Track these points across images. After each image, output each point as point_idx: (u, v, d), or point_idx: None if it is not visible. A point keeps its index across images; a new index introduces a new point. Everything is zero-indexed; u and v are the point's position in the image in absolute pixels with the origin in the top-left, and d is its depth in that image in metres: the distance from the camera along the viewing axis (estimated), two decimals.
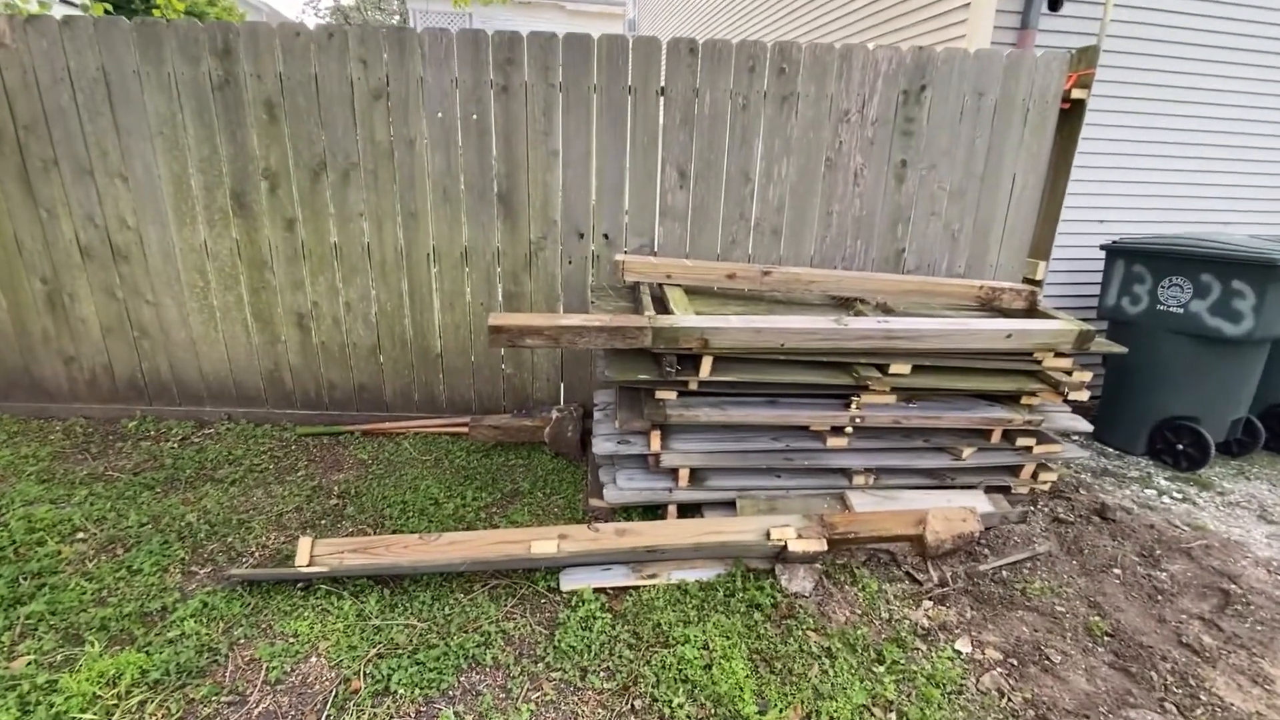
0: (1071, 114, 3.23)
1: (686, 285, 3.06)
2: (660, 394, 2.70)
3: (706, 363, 2.59)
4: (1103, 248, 3.75)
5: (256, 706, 1.82)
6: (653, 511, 2.85)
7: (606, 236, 3.33)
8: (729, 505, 2.80)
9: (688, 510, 2.82)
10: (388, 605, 2.22)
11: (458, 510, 2.82)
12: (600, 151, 3.19)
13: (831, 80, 3.13)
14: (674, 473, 2.77)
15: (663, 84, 3.12)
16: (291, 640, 2.05)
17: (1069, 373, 2.81)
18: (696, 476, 2.79)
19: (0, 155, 3.14)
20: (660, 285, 3.04)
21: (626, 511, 2.84)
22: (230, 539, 2.57)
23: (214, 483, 2.99)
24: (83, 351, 3.47)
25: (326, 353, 3.49)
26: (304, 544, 2.30)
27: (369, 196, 3.23)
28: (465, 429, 3.43)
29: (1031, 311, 3.04)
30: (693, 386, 2.69)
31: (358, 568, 2.29)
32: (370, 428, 3.54)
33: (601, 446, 2.78)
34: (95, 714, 1.75)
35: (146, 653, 1.96)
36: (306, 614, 2.16)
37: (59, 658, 1.95)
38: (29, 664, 1.92)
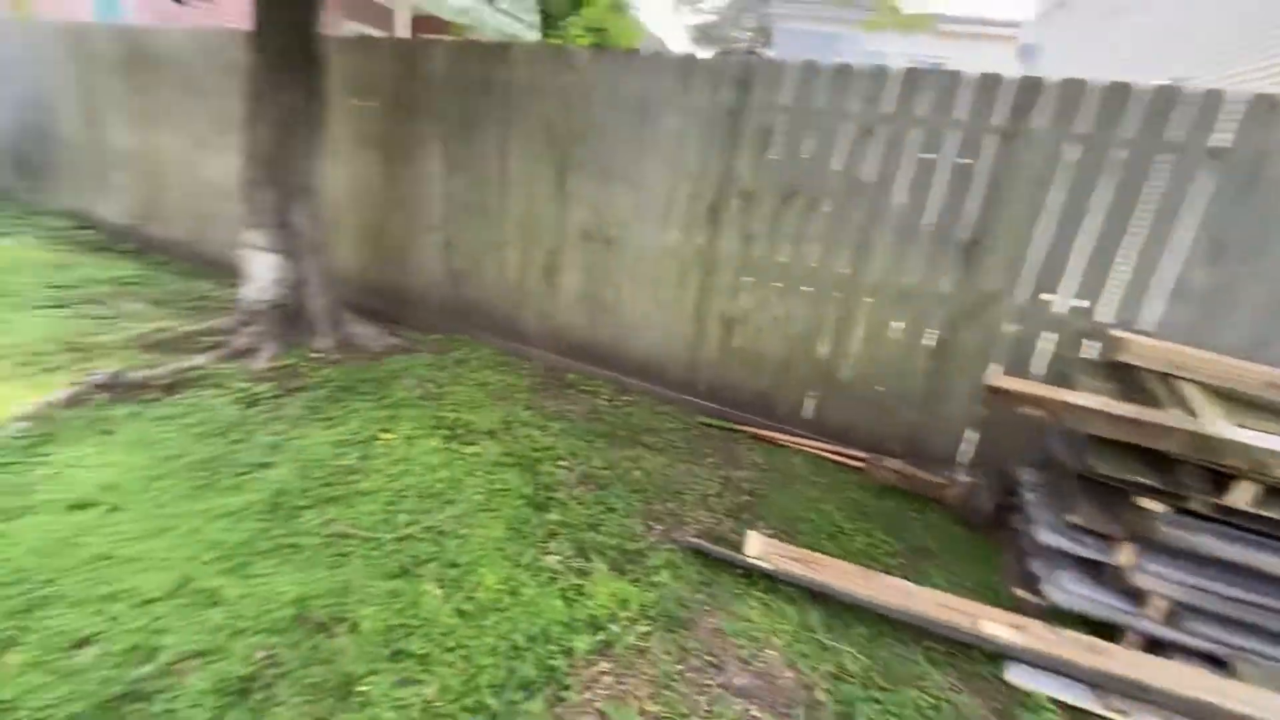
0: None
1: (1201, 383, 2.57)
2: (1144, 502, 2.32)
3: (1245, 489, 2.14)
4: None
5: (734, 678, 2.04)
6: (1091, 626, 2.48)
7: (1077, 304, 2.98)
8: (1203, 656, 2.30)
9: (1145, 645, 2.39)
10: (825, 625, 2.31)
11: (866, 549, 2.82)
12: (1109, 213, 2.85)
13: None
14: (1135, 594, 2.37)
15: (1216, 143, 2.64)
16: (748, 623, 2.26)
17: None
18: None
19: (550, 152, 4.08)
20: (1166, 376, 2.61)
21: (1061, 617, 2.52)
22: (671, 505, 2.96)
23: (644, 447, 3.48)
24: (556, 311, 4.36)
25: (741, 356, 3.81)
26: (754, 537, 2.53)
27: (828, 225, 3.40)
28: (861, 464, 3.43)
29: None
30: (1193, 506, 2.26)
31: (796, 576, 2.43)
32: (760, 432, 3.77)
33: (1047, 537, 2.51)
34: (618, 626, 2.15)
35: (638, 588, 2.35)
36: (753, 603, 2.37)
37: (575, 565, 2.45)
38: (558, 562, 2.45)
